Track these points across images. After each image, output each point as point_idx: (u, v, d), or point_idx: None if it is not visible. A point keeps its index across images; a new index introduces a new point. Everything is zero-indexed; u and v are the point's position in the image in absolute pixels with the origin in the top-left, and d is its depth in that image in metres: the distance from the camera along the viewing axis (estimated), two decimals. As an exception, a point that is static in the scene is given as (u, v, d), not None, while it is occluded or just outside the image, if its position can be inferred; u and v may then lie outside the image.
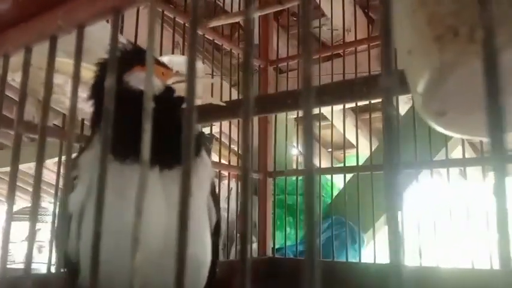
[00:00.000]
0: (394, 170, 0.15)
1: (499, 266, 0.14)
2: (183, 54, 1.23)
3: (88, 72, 0.61)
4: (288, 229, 1.48)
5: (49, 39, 0.32)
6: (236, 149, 1.68)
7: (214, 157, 1.29)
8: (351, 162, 1.53)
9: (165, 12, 1.19)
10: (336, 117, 1.97)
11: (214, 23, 1.30)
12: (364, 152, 1.53)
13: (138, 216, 0.23)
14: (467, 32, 0.24)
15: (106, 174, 0.25)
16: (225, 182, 1.61)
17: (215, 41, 1.36)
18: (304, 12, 0.19)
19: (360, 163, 1.33)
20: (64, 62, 0.61)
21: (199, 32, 1.29)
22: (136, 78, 0.63)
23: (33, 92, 0.71)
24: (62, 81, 0.69)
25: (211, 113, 0.93)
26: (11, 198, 0.32)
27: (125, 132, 0.45)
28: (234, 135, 1.74)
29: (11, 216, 0.33)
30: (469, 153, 2.61)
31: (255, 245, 1.41)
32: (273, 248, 1.44)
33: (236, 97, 1.37)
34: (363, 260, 1.32)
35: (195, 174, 0.64)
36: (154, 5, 0.25)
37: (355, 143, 1.45)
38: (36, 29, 0.33)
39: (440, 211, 1.16)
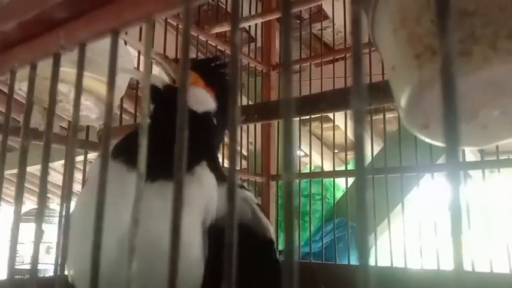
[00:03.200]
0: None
1: None
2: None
3: (91, 82, 0.63)
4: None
5: (52, 57, 0.34)
6: (246, 153, 1.69)
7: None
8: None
9: (168, 20, 1.21)
10: (340, 119, 1.97)
11: (217, 30, 1.32)
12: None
13: (133, 226, 0.25)
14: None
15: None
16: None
17: (218, 47, 1.38)
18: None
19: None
20: (69, 72, 0.62)
21: (202, 38, 1.30)
22: None
23: (39, 101, 0.73)
24: (67, 90, 0.71)
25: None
26: (18, 203, 0.34)
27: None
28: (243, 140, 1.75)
29: (18, 218, 0.35)
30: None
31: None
32: (279, 251, 1.45)
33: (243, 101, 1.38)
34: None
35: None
36: (149, 30, 0.27)
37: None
38: (40, 47, 0.34)
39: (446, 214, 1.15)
